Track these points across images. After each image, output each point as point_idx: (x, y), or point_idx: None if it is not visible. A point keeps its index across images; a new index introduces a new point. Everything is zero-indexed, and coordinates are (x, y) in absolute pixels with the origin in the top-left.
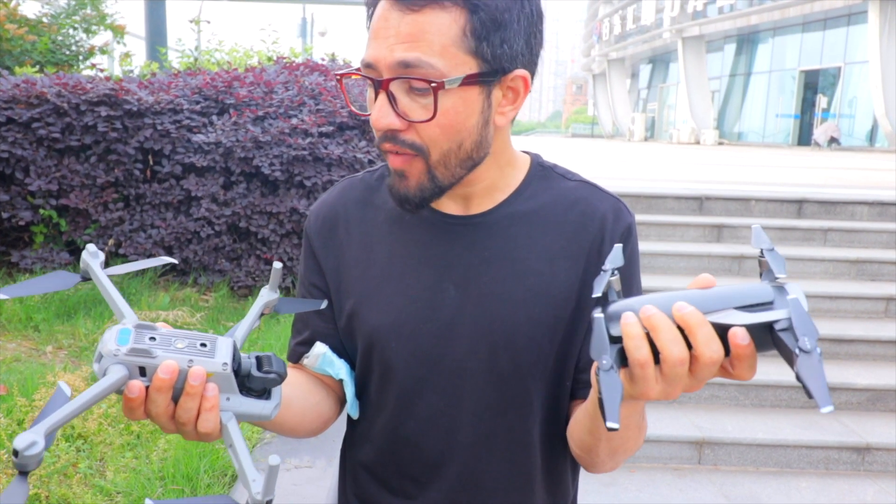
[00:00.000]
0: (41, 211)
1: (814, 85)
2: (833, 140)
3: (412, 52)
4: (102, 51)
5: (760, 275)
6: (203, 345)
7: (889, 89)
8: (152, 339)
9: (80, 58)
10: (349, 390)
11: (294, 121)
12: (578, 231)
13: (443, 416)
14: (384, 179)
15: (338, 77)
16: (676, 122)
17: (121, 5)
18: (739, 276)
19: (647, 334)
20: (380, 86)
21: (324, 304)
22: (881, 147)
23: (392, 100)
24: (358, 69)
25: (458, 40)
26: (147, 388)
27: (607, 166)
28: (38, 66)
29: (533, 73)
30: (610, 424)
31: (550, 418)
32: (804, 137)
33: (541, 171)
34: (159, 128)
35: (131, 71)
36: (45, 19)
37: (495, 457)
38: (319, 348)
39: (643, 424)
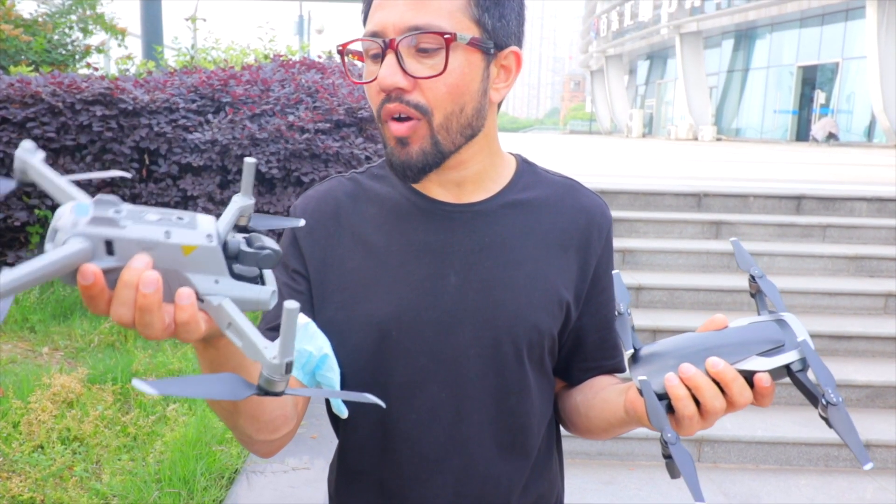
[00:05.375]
0: (36, 211)
1: (812, 80)
2: (831, 136)
3: (422, 17)
4: (98, 50)
5: (752, 295)
6: (180, 218)
7: (887, 85)
8: (118, 211)
9: (76, 57)
10: (334, 374)
11: (291, 118)
12: (569, 222)
13: (445, 406)
14: (377, 178)
15: (340, 49)
16: (674, 118)
17: (117, 4)
18: (738, 274)
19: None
20: (388, 46)
21: (301, 222)
22: (879, 142)
23: (399, 59)
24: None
25: (463, 7)
26: (108, 272)
27: (605, 163)
28: (33, 66)
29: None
30: None
31: (542, 399)
32: (802, 133)
33: (527, 167)
34: (155, 127)
35: (127, 70)
36: (40, 19)
37: (497, 443)
38: (300, 319)
39: None
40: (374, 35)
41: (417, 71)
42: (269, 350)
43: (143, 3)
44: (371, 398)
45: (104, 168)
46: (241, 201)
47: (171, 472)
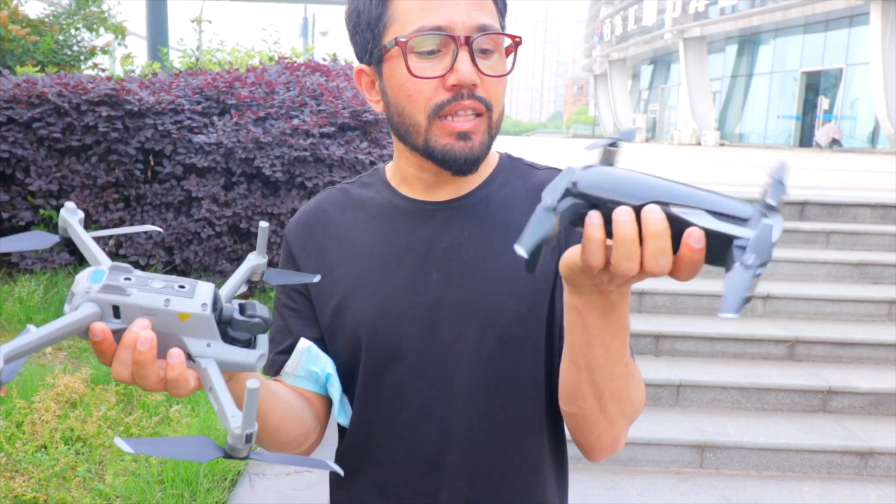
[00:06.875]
0: (41, 211)
1: (815, 86)
2: (834, 141)
3: (486, 17)
4: (104, 51)
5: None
6: (181, 286)
7: (891, 91)
8: (127, 279)
9: (82, 58)
10: (336, 390)
11: (295, 121)
12: None
13: (435, 403)
14: (365, 185)
15: (405, 40)
16: (678, 123)
17: (122, 5)
18: None
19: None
20: (466, 42)
21: (317, 278)
22: (883, 149)
23: (473, 57)
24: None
25: (497, 14)
26: (115, 332)
27: None
28: (39, 66)
29: None
30: (518, 249)
31: (542, 397)
32: (805, 139)
33: (510, 161)
34: (160, 128)
35: (133, 71)
36: (47, 19)
37: (490, 439)
38: (303, 343)
39: (632, 365)
40: (440, 30)
41: (491, 69)
42: (235, 420)
43: (148, 4)
44: (333, 467)
45: (109, 168)
46: (254, 260)
47: (174, 474)
